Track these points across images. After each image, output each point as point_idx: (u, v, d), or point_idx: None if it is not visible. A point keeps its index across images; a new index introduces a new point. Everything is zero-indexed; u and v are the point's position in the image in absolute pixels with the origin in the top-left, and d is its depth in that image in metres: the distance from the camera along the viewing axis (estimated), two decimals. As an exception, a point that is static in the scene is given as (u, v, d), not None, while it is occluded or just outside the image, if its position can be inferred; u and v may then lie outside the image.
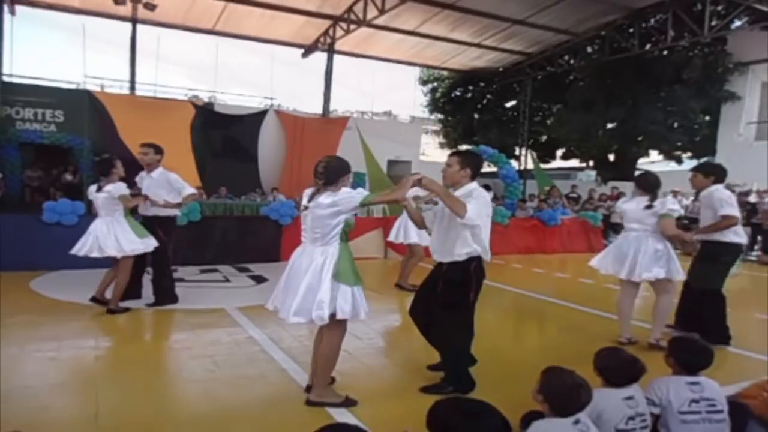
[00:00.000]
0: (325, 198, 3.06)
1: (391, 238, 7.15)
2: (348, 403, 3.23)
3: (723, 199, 4.66)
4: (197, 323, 5.05)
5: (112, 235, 5.13)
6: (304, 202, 3.19)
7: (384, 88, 25.84)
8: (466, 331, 3.56)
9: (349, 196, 3.06)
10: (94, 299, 5.38)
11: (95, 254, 5.12)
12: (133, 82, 15.43)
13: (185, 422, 3.05)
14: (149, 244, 5.27)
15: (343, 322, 3.17)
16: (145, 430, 2.93)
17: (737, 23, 15.33)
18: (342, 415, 3.12)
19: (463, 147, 21.53)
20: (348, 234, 3.18)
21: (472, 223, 3.22)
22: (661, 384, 2.72)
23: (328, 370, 3.28)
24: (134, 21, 14.90)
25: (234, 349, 4.29)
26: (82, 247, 5.16)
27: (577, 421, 2.29)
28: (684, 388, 2.68)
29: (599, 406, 2.50)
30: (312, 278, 3.02)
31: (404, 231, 6.91)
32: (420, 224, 3.74)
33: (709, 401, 2.63)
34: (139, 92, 15.67)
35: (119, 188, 5.16)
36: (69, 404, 3.22)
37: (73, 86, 15.22)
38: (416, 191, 3.50)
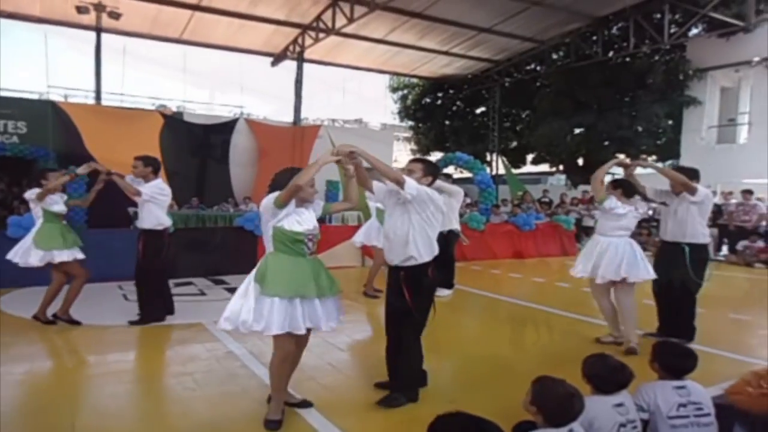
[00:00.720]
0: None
1: (356, 239, 7.21)
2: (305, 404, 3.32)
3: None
4: (174, 339, 4.92)
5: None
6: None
7: (355, 96, 25.83)
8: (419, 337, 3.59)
9: (265, 201, 3.08)
10: (54, 317, 5.24)
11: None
12: (98, 92, 15.04)
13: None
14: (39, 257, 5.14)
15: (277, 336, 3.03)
16: (126, 455, 2.83)
17: (695, 31, 15.86)
18: (321, 423, 3.13)
19: (436, 154, 21.70)
20: (287, 243, 3.04)
21: (412, 194, 3.28)
22: (649, 389, 2.75)
23: (274, 383, 3.21)
24: (98, 30, 14.55)
25: (214, 365, 4.19)
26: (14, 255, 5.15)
27: (570, 431, 2.30)
28: (671, 392, 2.71)
29: (590, 414, 2.51)
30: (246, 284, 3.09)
31: (368, 233, 6.99)
32: (364, 183, 3.52)
33: (696, 405, 2.66)
34: (105, 102, 15.29)
35: (32, 192, 5.16)
36: (43, 427, 3.08)
37: (35, 96, 14.78)
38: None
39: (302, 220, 3.10)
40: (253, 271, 3.07)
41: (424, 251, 3.44)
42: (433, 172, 3.61)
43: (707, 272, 4.97)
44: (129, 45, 16.28)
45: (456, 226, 7.27)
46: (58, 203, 5.26)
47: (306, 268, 3.08)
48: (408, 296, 3.41)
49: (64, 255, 5.15)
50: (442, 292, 7.20)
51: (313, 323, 3.10)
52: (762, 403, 2.87)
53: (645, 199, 5.00)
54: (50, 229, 5.16)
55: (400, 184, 3.27)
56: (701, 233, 4.93)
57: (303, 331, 3.04)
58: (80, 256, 5.28)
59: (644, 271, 4.75)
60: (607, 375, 2.66)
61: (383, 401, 3.43)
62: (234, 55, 17.68)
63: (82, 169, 5.26)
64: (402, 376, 3.51)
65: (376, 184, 3.52)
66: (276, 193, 3.03)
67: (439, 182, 7.17)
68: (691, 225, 4.88)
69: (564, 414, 2.29)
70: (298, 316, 3.01)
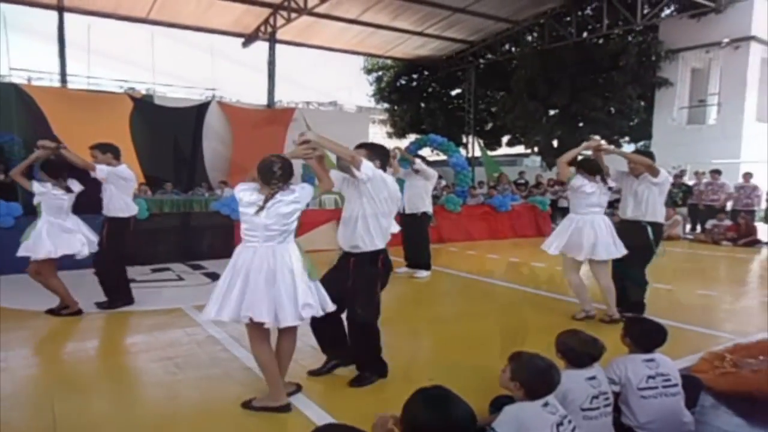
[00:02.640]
0: (283, 195, 3.03)
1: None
2: (283, 408, 3.15)
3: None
4: (154, 324, 4.90)
5: (81, 232, 5.14)
6: (253, 202, 3.03)
7: (329, 78, 25.56)
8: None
9: (306, 192, 3.15)
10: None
11: (71, 252, 5.03)
12: (63, 74, 14.61)
13: (152, 427, 2.97)
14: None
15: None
16: (109, 440, 2.84)
17: (667, 11, 16.07)
18: (305, 404, 3.18)
19: (411, 136, 21.68)
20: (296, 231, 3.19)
21: (368, 175, 3.29)
22: (620, 363, 2.86)
23: (282, 370, 3.26)
24: (61, 9, 14.08)
25: (195, 350, 4.19)
26: (57, 248, 4.96)
27: (546, 404, 2.37)
28: (641, 365, 2.82)
29: (564, 387, 2.58)
30: (289, 278, 3.00)
31: None
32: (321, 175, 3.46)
33: (664, 376, 2.78)
34: (70, 85, 14.86)
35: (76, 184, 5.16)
36: (24, 416, 3.06)
37: (-3, 80, 14.30)
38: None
39: None
40: (293, 266, 3.04)
41: (377, 238, 3.44)
42: (380, 156, 3.57)
43: (660, 248, 5.17)
44: (93, 29, 15.74)
45: (428, 208, 7.33)
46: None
47: None
48: (352, 282, 3.43)
49: None
50: (420, 273, 7.30)
51: None
52: (723, 382, 3.03)
53: (603, 180, 5.13)
54: None
55: (356, 164, 3.27)
56: (659, 212, 5.13)
57: None
58: None
59: (618, 247, 4.98)
60: (580, 349, 2.75)
61: (355, 381, 3.50)
62: (204, 37, 17.29)
63: (41, 154, 5.09)
64: (365, 356, 3.57)
65: (333, 173, 3.48)
66: (310, 186, 3.21)
67: (421, 164, 7.21)
68: (651, 204, 5.07)
69: (544, 386, 2.37)
70: None
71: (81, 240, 5.09)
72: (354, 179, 3.39)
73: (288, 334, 3.23)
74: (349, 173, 3.38)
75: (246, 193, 3.07)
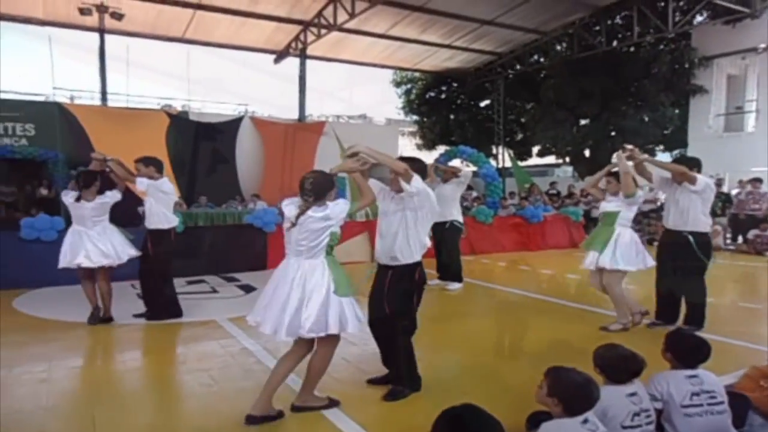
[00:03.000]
0: (315, 212, 3.05)
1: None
2: (332, 404, 3.30)
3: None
4: (189, 336, 4.98)
5: (109, 243, 5.20)
6: (289, 216, 3.11)
7: (358, 92, 25.79)
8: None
9: (339, 209, 3.13)
10: (97, 319, 5.32)
11: (87, 264, 5.12)
12: (104, 92, 15.11)
13: (188, 440, 3.01)
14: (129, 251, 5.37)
15: (333, 337, 3.18)
16: (148, 451, 2.89)
17: (699, 18, 15.74)
18: (337, 417, 3.17)
19: (441, 147, 21.66)
20: (333, 247, 3.20)
21: (417, 188, 3.34)
22: (661, 379, 2.78)
23: (317, 380, 3.30)
24: (102, 31, 14.59)
25: (229, 362, 4.24)
26: (73, 258, 5.11)
27: (585, 420, 2.32)
28: (683, 381, 2.73)
29: (604, 404, 2.53)
30: (301, 293, 3.02)
31: None
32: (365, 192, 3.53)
33: (710, 393, 2.69)
34: (110, 102, 15.37)
35: (115, 195, 5.32)
36: (65, 426, 3.15)
37: (41, 98, 14.86)
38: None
39: None
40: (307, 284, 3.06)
41: (415, 251, 3.47)
42: (419, 169, 3.59)
43: (712, 260, 5.03)
44: (132, 50, 16.32)
45: (458, 216, 7.24)
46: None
47: None
48: (388, 296, 3.45)
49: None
50: (451, 286, 7.24)
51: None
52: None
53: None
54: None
55: (408, 178, 3.31)
56: (703, 221, 4.99)
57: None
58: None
59: (639, 261, 4.99)
60: (619, 364, 2.69)
61: (389, 395, 3.49)
62: (237, 55, 17.68)
63: (94, 165, 5.37)
64: (400, 369, 3.57)
65: (371, 183, 3.51)
66: (347, 204, 3.18)
67: (466, 170, 7.15)
68: (693, 213, 4.93)
69: (583, 401, 2.32)
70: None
71: (104, 251, 5.19)
72: (394, 192, 3.43)
73: (321, 348, 3.23)
74: (393, 185, 3.44)
75: (288, 207, 3.14)
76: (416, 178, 3.36)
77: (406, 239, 3.44)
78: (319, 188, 3.08)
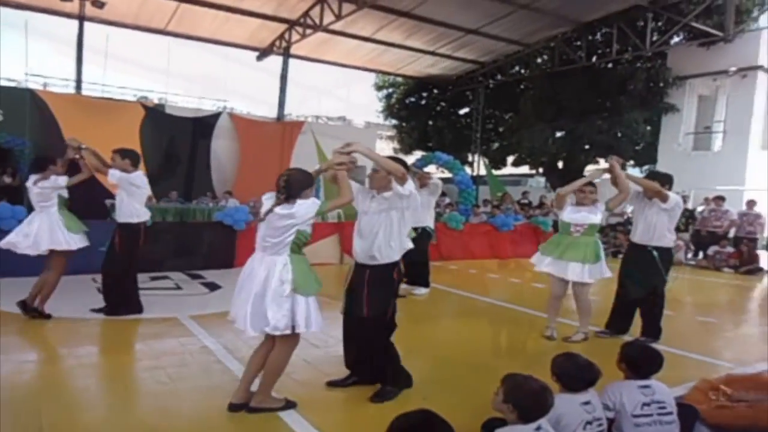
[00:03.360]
0: (281, 209, 3.06)
1: None
2: (289, 405, 3.26)
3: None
4: (148, 333, 4.89)
5: (47, 228, 5.04)
6: (263, 211, 3.14)
7: (339, 93, 25.75)
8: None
9: (304, 208, 3.09)
10: (23, 305, 5.15)
11: (29, 251, 5.01)
12: (79, 81, 14.79)
13: (139, 437, 2.95)
14: (77, 240, 5.19)
15: (293, 336, 3.20)
16: (95, 448, 2.81)
17: (676, 39, 16.16)
18: (294, 420, 3.13)
19: (418, 153, 21.74)
20: (301, 245, 3.18)
21: (411, 190, 3.39)
22: (615, 389, 2.81)
23: (275, 380, 3.27)
24: (81, 18, 14.30)
25: (188, 360, 4.17)
26: (17, 244, 5.01)
27: (538, 428, 2.34)
28: (636, 391, 2.77)
29: (558, 411, 2.56)
30: (261, 288, 3.05)
31: None
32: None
33: (660, 404, 2.73)
34: (85, 92, 15.05)
35: (56, 181, 5.11)
36: (9, 423, 3.04)
37: (13, 84, 14.49)
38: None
39: None
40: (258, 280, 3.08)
41: (395, 251, 3.49)
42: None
43: (671, 274, 5.14)
44: (111, 41, 16.03)
45: (430, 223, 7.28)
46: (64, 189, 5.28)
47: None
48: (367, 296, 3.44)
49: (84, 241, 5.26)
50: (418, 291, 7.25)
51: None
52: (718, 415, 2.98)
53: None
54: (69, 215, 5.25)
55: (404, 180, 3.35)
56: (668, 237, 5.11)
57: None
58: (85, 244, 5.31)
59: (603, 271, 5.01)
60: (576, 373, 2.72)
61: (376, 396, 3.48)
62: (219, 51, 17.51)
63: (69, 153, 5.23)
64: (388, 373, 3.58)
65: (351, 184, 3.47)
66: (317, 203, 3.14)
67: (437, 180, 7.13)
68: (660, 229, 5.05)
69: (537, 408, 2.34)
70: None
71: (27, 234, 5.06)
72: (375, 191, 3.45)
73: (280, 347, 3.22)
74: (376, 184, 3.46)
75: (266, 202, 3.15)
76: (410, 181, 3.40)
77: (387, 239, 3.43)
78: (291, 186, 3.08)
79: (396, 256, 3.50)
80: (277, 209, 3.05)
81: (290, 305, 3.05)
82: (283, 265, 3.07)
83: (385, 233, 3.43)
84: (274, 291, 3.02)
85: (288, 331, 3.07)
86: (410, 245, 3.62)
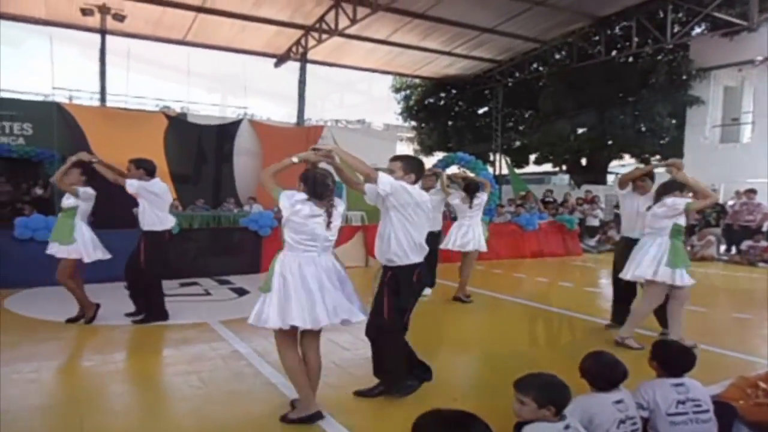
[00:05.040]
0: (339, 209, 3.23)
1: (447, 245, 7.05)
2: (315, 416, 3.16)
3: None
4: (180, 339, 4.97)
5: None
6: (316, 215, 3.09)
7: (358, 97, 25.85)
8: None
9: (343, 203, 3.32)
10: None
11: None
12: (103, 93, 15.15)
13: (176, 442, 3.01)
14: (66, 251, 5.22)
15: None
16: (134, 452, 2.88)
17: (697, 30, 15.87)
18: (325, 422, 3.15)
19: (438, 154, 21.71)
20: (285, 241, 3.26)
21: (386, 190, 3.28)
22: (648, 387, 2.79)
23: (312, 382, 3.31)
24: (103, 32, 14.66)
25: (220, 364, 4.24)
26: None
27: (567, 426, 2.34)
28: (669, 390, 2.74)
29: (590, 411, 2.56)
30: (332, 284, 3.18)
31: (457, 238, 6.89)
32: (349, 184, 3.73)
33: (695, 402, 2.70)
34: (109, 103, 15.39)
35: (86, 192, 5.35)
36: (52, 427, 3.13)
37: (40, 98, 14.89)
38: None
39: None
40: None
41: (411, 252, 3.43)
42: (415, 169, 3.54)
43: None
44: (133, 48, 16.39)
45: (436, 226, 7.02)
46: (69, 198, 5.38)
47: None
48: (386, 297, 3.44)
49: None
50: (424, 291, 7.19)
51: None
52: (758, 412, 2.92)
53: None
54: (63, 222, 5.40)
55: (373, 179, 3.28)
56: None
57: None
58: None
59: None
60: (599, 371, 2.71)
61: (396, 390, 3.53)
62: (238, 56, 17.77)
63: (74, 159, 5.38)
64: (386, 370, 3.59)
65: (367, 187, 3.45)
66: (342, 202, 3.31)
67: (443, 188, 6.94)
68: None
69: (560, 399, 2.37)
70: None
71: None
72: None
73: (312, 347, 3.29)
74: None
75: (306, 206, 3.08)
76: (382, 179, 3.27)
77: (397, 240, 3.40)
78: (333, 188, 3.23)
79: (413, 258, 3.44)
80: (339, 208, 3.22)
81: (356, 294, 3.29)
82: (335, 261, 3.27)
83: (393, 234, 3.41)
84: (343, 283, 3.23)
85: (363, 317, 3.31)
86: (425, 247, 3.54)
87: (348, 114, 23.18)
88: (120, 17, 13.77)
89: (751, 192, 12.08)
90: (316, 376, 3.28)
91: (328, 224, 3.13)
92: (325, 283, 3.12)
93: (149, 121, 14.58)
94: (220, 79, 25.58)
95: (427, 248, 3.56)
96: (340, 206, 3.23)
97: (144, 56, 19.51)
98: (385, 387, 3.58)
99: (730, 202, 12.82)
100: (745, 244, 11.44)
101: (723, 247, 12.29)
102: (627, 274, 4.80)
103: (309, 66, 17.91)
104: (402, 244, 3.40)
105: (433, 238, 7.13)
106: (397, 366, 3.57)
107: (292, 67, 17.96)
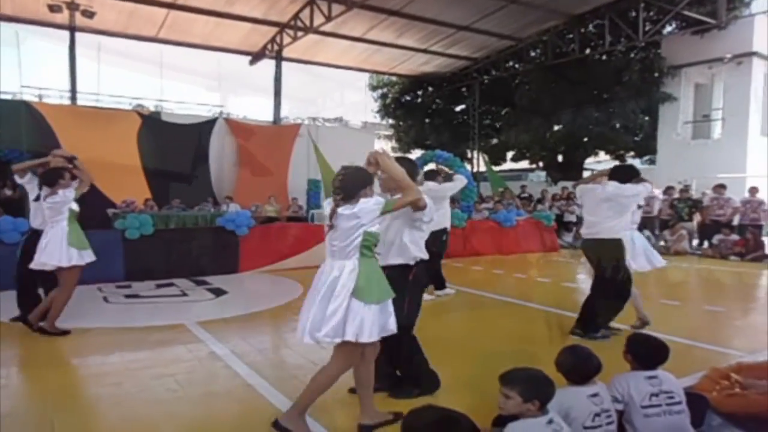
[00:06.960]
0: (344, 210, 2.87)
1: None
2: None
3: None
4: (155, 340, 4.89)
5: (56, 243, 4.88)
6: (326, 217, 2.97)
7: (335, 95, 25.72)
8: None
9: (368, 207, 2.88)
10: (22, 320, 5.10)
11: (37, 267, 4.87)
12: (73, 91, 14.82)
13: (151, 446, 2.96)
14: (84, 256, 5.02)
15: (350, 347, 2.90)
16: (108, 458, 2.83)
17: (669, 28, 16.17)
18: (314, 426, 3.10)
19: (417, 151, 21.76)
20: (371, 247, 2.94)
21: (430, 219, 3.28)
22: (622, 380, 2.82)
23: (312, 397, 3.02)
24: (72, 29, 14.33)
25: (196, 366, 4.18)
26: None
27: (550, 421, 2.36)
28: (643, 382, 2.78)
29: (566, 405, 2.58)
30: (327, 291, 2.85)
31: None
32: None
33: (668, 394, 2.74)
34: (80, 102, 15.07)
35: (67, 194, 4.97)
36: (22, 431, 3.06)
37: (8, 97, 14.50)
38: None
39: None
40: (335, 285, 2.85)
41: (414, 251, 3.45)
42: (415, 171, 3.54)
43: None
44: (104, 41, 16.06)
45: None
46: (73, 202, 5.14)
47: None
48: (410, 294, 3.46)
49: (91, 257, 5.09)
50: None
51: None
52: (729, 403, 2.99)
53: None
54: (77, 230, 5.05)
55: (422, 206, 3.13)
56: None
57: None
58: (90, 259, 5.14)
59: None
60: (573, 365, 2.75)
61: (395, 392, 3.54)
62: (212, 59, 17.60)
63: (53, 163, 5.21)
64: (408, 372, 3.65)
65: (418, 213, 3.29)
66: (381, 202, 2.90)
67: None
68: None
69: (545, 392, 2.40)
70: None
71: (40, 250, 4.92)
72: (388, 195, 3.27)
73: (332, 361, 3.05)
74: (386, 186, 3.34)
75: (328, 207, 2.98)
76: (430, 207, 3.21)
77: (400, 243, 3.41)
78: (347, 185, 2.89)
79: (413, 258, 3.46)
80: (341, 210, 2.86)
81: (344, 311, 2.80)
82: (351, 270, 2.86)
83: (400, 237, 3.41)
84: (341, 297, 2.82)
85: (337, 339, 2.81)
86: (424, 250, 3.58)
87: (325, 112, 22.97)
88: (89, 14, 13.48)
89: (720, 187, 12.36)
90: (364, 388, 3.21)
91: (330, 226, 2.90)
92: (311, 293, 2.92)
93: (122, 119, 14.29)
94: (196, 73, 25.26)
95: (424, 251, 3.58)
96: (352, 207, 2.85)
97: (116, 49, 19.09)
98: (410, 385, 3.60)
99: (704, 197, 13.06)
100: (717, 238, 11.70)
101: (695, 242, 12.56)
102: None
103: (285, 64, 17.79)
104: (407, 246, 3.42)
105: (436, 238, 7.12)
106: (422, 361, 3.65)
107: (268, 65, 17.83)
